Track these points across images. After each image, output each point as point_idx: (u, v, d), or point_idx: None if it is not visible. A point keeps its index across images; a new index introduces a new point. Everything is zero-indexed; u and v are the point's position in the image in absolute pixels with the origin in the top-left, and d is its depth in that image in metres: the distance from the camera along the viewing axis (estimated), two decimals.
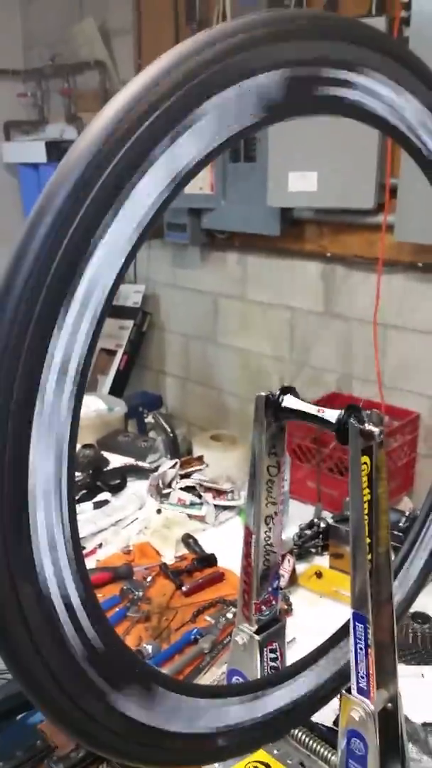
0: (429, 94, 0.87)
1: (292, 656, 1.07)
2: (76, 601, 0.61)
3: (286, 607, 1.69)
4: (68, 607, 0.61)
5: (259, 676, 1.05)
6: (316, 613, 1.71)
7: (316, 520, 2.01)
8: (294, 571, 1.84)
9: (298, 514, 2.14)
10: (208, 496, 2.24)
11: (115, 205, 0.57)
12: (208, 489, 2.27)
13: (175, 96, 0.59)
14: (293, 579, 1.83)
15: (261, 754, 1.10)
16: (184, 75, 0.60)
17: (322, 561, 1.95)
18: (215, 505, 2.22)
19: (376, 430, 0.86)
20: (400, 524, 1.82)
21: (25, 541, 0.57)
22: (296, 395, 0.98)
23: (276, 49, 0.66)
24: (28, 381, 0.55)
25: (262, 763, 1.09)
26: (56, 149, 4.64)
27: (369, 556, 0.89)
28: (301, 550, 1.95)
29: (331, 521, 1.97)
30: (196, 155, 0.62)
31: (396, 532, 1.75)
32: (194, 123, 0.61)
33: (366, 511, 0.88)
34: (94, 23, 4.41)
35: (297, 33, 0.69)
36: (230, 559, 1.93)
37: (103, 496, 2.27)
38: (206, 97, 0.61)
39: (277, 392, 0.97)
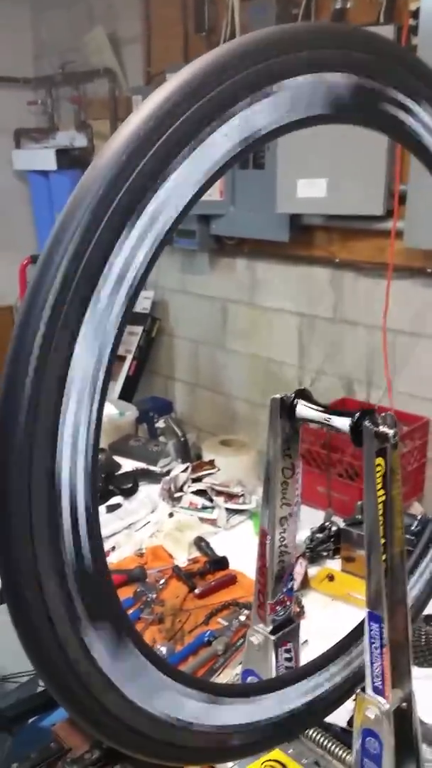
0: None
1: (305, 658, 1.09)
2: (81, 505, 0.61)
3: (298, 609, 1.70)
4: (73, 507, 0.60)
5: (273, 676, 1.07)
6: (329, 615, 1.72)
7: (327, 524, 2.02)
8: (306, 574, 1.85)
9: (309, 519, 2.15)
10: (219, 500, 2.25)
11: (192, 143, 0.62)
12: (219, 492, 2.28)
13: (262, 65, 0.66)
14: (305, 582, 1.84)
15: (276, 753, 1.11)
16: (277, 49, 0.68)
17: (334, 564, 1.96)
18: (227, 509, 2.23)
19: (390, 431, 0.88)
20: (413, 528, 1.83)
21: (53, 421, 0.58)
22: (310, 398, 0.99)
23: (353, 56, 0.76)
24: (88, 282, 0.58)
25: (277, 761, 1.10)
26: (66, 157, 4.69)
27: (384, 557, 0.91)
28: (313, 553, 1.96)
29: (342, 525, 1.98)
30: (267, 125, 0.68)
31: (408, 536, 1.76)
32: (272, 94, 0.67)
33: (380, 512, 0.90)
34: (104, 32, 4.45)
35: (371, 47, 0.79)
36: (242, 561, 1.94)
37: (116, 499, 2.29)
38: (289, 75, 0.69)
39: (292, 395, 0.99)
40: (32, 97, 5.17)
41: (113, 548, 2.05)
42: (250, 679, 1.10)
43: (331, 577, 1.87)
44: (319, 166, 3.00)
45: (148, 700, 0.72)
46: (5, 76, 4.97)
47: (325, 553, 1.98)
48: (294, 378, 3.65)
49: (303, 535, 2.03)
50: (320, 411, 0.97)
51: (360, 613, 0.95)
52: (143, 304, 4.48)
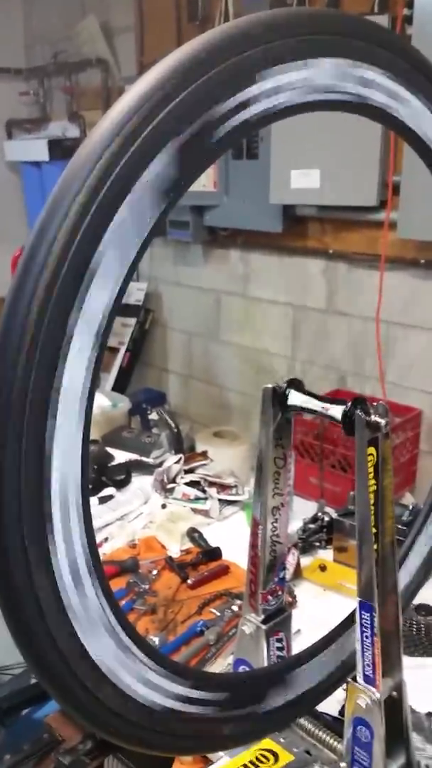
0: None
1: (297, 647, 1.09)
2: (73, 495, 0.61)
3: (290, 599, 1.70)
4: (63, 497, 0.60)
5: (265, 665, 1.07)
6: (321, 605, 1.73)
7: (320, 515, 2.03)
8: (298, 564, 1.85)
9: (301, 510, 2.16)
10: (212, 491, 2.25)
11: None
12: (212, 484, 2.29)
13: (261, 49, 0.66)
14: (298, 572, 1.84)
15: (268, 742, 1.11)
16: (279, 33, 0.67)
17: (326, 554, 1.97)
18: (219, 500, 2.23)
19: (382, 421, 0.88)
20: (404, 518, 1.83)
21: (42, 411, 0.57)
22: (302, 387, 0.99)
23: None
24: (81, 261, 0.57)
25: (269, 751, 1.11)
26: (58, 147, 4.65)
27: (375, 547, 0.91)
28: (306, 543, 1.97)
29: (335, 515, 1.98)
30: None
31: (400, 526, 1.76)
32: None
33: (372, 502, 0.90)
34: (96, 21, 4.42)
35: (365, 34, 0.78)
36: (235, 552, 1.94)
37: (108, 491, 2.28)
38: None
39: (284, 385, 0.99)
40: (24, 88, 5.13)
41: (106, 539, 2.05)
42: (241, 669, 1.10)
43: (323, 567, 1.88)
44: (312, 157, 2.98)
45: (140, 689, 0.72)
46: None
47: (317, 544, 1.99)
48: (287, 369, 3.65)
49: (295, 525, 2.03)
50: (312, 400, 0.96)
51: (351, 603, 0.96)
52: (136, 296, 4.46)
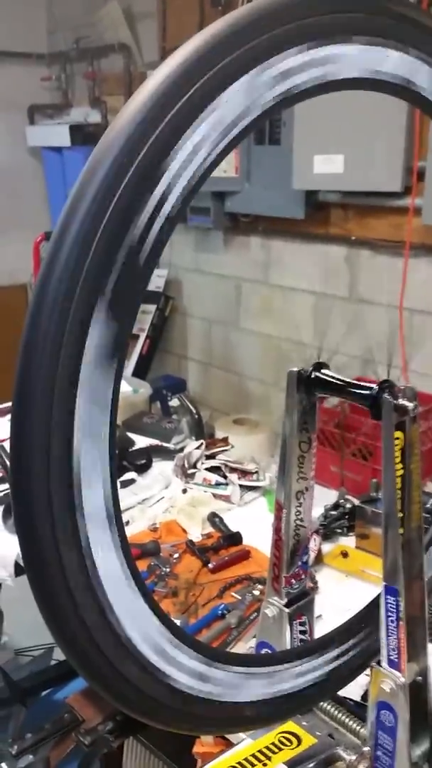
0: None
1: (319, 632, 1.09)
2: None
3: (312, 585, 1.70)
4: None
5: (288, 648, 1.07)
6: (343, 591, 1.72)
7: (341, 501, 2.02)
8: (320, 550, 1.85)
9: (322, 499, 2.15)
10: (233, 477, 2.26)
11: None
12: (233, 469, 2.29)
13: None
14: (319, 558, 1.84)
15: (290, 726, 1.12)
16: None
17: (348, 541, 1.96)
18: (240, 486, 2.24)
19: (410, 404, 0.87)
20: (428, 505, 1.82)
21: (70, 393, 0.58)
22: (328, 371, 0.98)
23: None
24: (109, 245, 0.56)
25: (291, 734, 1.11)
26: (80, 133, 4.65)
27: (401, 531, 0.90)
28: (327, 530, 1.96)
29: (357, 502, 1.98)
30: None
31: (424, 514, 1.75)
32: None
33: (398, 486, 0.89)
34: (119, 6, 4.40)
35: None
36: (256, 537, 1.95)
37: (130, 475, 2.29)
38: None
39: (310, 368, 0.98)
40: (46, 73, 5.13)
41: (127, 522, 2.06)
42: (264, 652, 1.10)
43: (345, 554, 1.88)
44: (336, 142, 2.96)
45: (167, 669, 0.73)
46: (19, 51, 4.93)
47: (339, 530, 1.98)
48: (308, 358, 3.62)
49: (316, 512, 2.03)
50: (339, 383, 0.96)
51: (374, 589, 0.95)
52: (157, 283, 4.47)
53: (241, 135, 0.62)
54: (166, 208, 0.58)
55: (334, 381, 0.97)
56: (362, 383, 0.94)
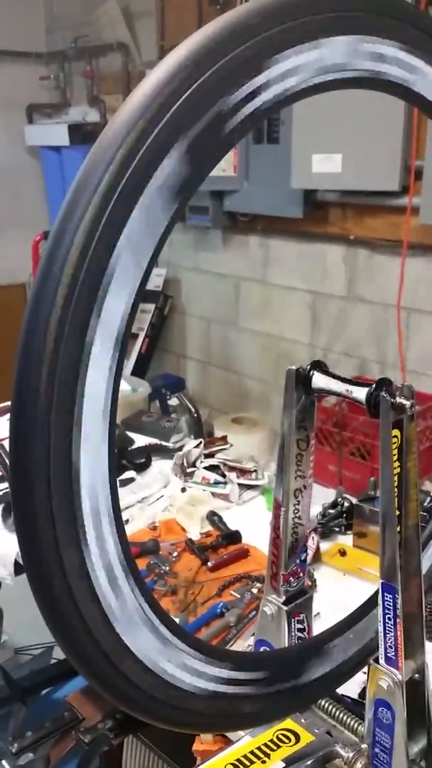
0: None
1: (317, 630, 1.09)
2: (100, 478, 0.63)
3: (310, 583, 1.71)
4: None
5: (286, 646, 1.07)
6: (340, 589, 1.73)
7: (339, 500, 2.03)
8: (318, 548, 1.86)
9: (320, 498, 2.15)
10: (232, 475, 2.26)
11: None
12: (232, 468, 2.29)
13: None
14: (317, 556, 1.85)
15: (288, 723, 1.12)
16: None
17: (346, 540, 1.97)
18: (239, 484, 2.24)
19: (407, 403, 0.87)
20: (425, 504, 1.83)
21: (71, 392, 0.59)
22: (326, 370, 0.99)
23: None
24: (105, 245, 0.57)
25: (290, 731, 1.11)
26: (79, 132, 4.65)
27: (398, 528, 0.91)
28: (325, 528, 1.97)
29: (354, 501, 1.98)
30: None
31: (421, 512, 1.76)
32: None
33: (396, 484, 0.90)
34: (117, 5, 4.40)
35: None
36: (254, 536, 1.95)
37: (129, 474, 2.30)
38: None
39: (308, 366, 0.99)
40: (45, 72, 5.13)
41: (126, 521, 2.07)
42: (262, 649, 1.10)
43: (343, 552, 1.88)
44: (334, 141, 2.96)
45: (165, 666, 0.73)
46: (18, 50, 4.93)
47: (337, 529, 1.99)
48: (306, 356, 3.64)
49: (314, 511, 2.03)
50: (337, 381, 0.96)
51: (372, 587, 0.96)
52: (155, 282, 4.47)
53: None
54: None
55: (332, 379, 0.97)
56: (360, 381, 0.94)
